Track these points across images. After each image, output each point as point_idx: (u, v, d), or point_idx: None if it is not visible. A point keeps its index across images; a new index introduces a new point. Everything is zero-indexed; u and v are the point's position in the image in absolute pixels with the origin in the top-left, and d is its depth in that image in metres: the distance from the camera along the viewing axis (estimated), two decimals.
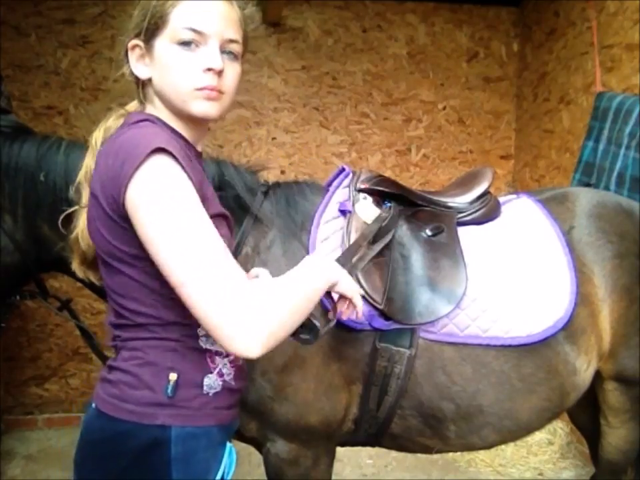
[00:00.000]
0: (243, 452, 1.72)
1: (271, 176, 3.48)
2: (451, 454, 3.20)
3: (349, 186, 1.69)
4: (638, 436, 1.94)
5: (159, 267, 0.96)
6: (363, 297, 1.53)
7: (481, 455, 3.21)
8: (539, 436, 3.32)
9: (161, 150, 0.96)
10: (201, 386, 1.07)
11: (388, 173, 3.69)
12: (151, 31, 1.08)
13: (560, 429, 3.33)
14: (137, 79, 1.15)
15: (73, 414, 3.61)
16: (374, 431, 1.66)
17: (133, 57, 1.12)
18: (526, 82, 3.81)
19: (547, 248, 1.74)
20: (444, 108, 3.88)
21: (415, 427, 1.65)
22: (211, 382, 1.08)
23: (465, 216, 1.78)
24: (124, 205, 0.96)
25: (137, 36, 1.10)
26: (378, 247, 1.55)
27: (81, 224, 1.15)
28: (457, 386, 1.62)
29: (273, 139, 3.75)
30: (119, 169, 0.96)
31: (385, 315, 1.53)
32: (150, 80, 1.12)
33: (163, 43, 1.07)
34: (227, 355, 1.11)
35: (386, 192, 1.70)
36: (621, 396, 1.88)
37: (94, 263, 1.16)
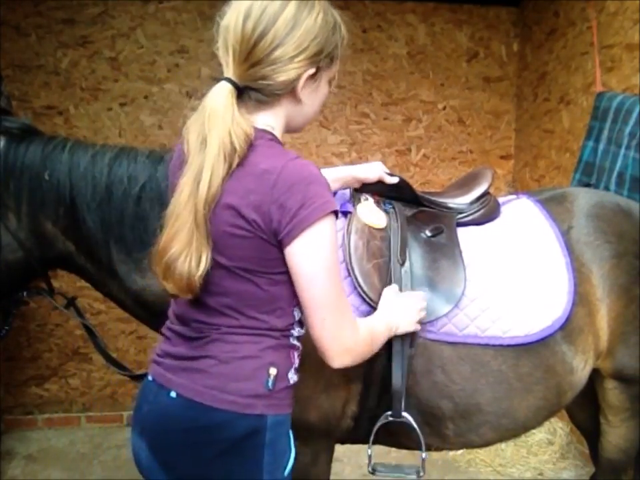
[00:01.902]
0: None
1: None
2: (451, 454, 3.21)
3: (349, 186, 1.69)
4: (638, 434, 1.95)
5: (304, 296, 1.13)
6: (362, 296, 1.54)
7: (481, 455, 3.22)
8: (539, 436, 3.32)
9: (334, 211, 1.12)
10: (287, 378, 1.19)
11: None
12: (328, 66, 1.18)
13: (560, 429, 3.33)
14: (279, 88, 1.13)
15: (73, 414, 3.61)
16: (373, 428, 1.67)
17: (305, 78, 1.14)
18: (526, 82, 3.81)
19: (545, 248, 1.75)
20: (444, 108, 3.88)
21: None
22: (292, 375, 1.21)
23: (465, 217, 1.79)
24: (288, 236, 1.08)
25: (317, 62, 1.15)
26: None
27: (210, 256, 1.13)
28: (456, 385, 1.63)
29: None
30: (296, 208, 1.06)
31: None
32: (295, 99, 1.16)
33: (325, 78, 1.20)
34: (299, 349, 1.24)
35: (386, 193, 1.71)
36: (621, 394, 1.88)
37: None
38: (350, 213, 1.63)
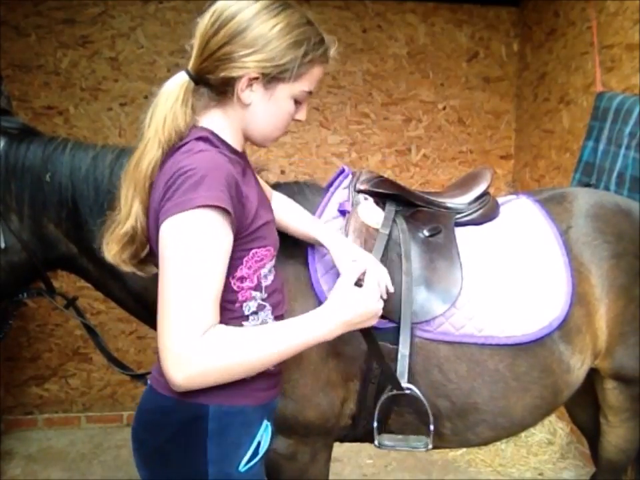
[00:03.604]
0: None
1: (271, 176, 3.52)
2: (450, 454, 3.21)
3: (348, 187, 1.69)
4: (638, 435, 1.95)
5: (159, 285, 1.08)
6: None
7: (481, 455, 3.22)
8: (539, 436, 3.32)
9: (208, 206, 1.05)
10: None
11: (388, 173, 3.70)
12: (282, 78, 1.16)
13: (560, 429, 3.33)
14: (224, 86, 1.17)
15: (73, 414, 3.61)
16: (371, 427, 1.67)
17: (246, 79, 1.15)
18: (526, 82, 3.81)
19: (544, 248, 1.75)
20: (444, 108, 3.88)
21: (411, 423, 1.66)
22: None
23: (463, 217, 1.79)
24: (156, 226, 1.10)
25: (263, 69, 1.15)
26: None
27: (142, 217, 1.19)
28: (453, 384, 1.63)
29: None
30: (169, 197, 1.06)
31: (381, 314, 1.53)
32: (241, 102, 1.17)
33: (284, 91, 1.18)
34: None
35: (385, 193, 1.71)
36: (620, 395, 1.88)
37: (145, 258, 1.26)
38: (349, 212, 1.63)
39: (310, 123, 3.76)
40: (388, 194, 1.72)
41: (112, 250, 1.22)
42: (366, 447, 2.46)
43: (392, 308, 1.53)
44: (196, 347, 1.03)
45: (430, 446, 1.53)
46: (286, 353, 1.12)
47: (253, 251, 1.17)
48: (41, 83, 3.44)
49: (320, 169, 3.77)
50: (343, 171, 1.74)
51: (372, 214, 1.65)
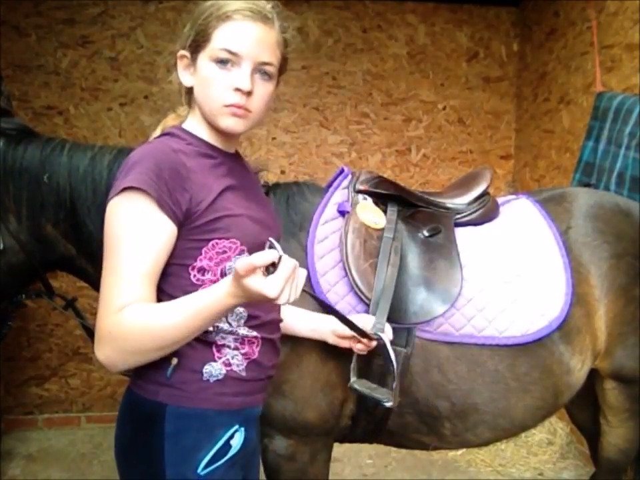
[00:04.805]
0: None
1: (271, 176, 3.52)
2: (450, 454, 3.21)
3: (348, 187, 1.69)
4: (637, 435, 1.95)
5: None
6: (359, 295, 1.53)
7: (481, 455, 3.22)
8: (539, 436, 3.32)
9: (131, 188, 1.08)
10: (201, 372, 1.16)
11: (388, 173, 3.70)
12: (195, 46, 1.19)
13: (560, 429, 3.33)
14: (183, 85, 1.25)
15: (73, 414, 3.62)
16: (371, 428, 1.68)
17: (180, 65, 1.23)
18: (526, 82, 3.81)
19: (543, 248, 1.75)
20: (444, 108, 3.88)
21: (411, 424, 1.67)
22: (212, 369, 1.17)
23: (463, 217, 1.79)
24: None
25: (184, 47, 1.22)
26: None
27: None
28: (452, 384, 1.63)
29: (273, 138, 3.76)
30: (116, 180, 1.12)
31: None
32: (192, 89, 1.23)
33: (204, 58, 1.18)
34: (237, 348, 1.19)
35: (384, 193, 1.71)
36: (620, 395, 1.88)
37: None
38: (348, 212, 1.63)
39: (310, 122, 3.77)
40: (387, 194, 1.72)
41: None
42: (366, 447, 2.46)
43: (392, 308, 1.52)
44: (109, 323, 1.06)
45: (391, 403, 1.40)
46: (186, 322, 1.06)
47: (214, 241, 1.14)
48: (41, 83, 3.45)
49: (320, 169, 3.77)
50: (342, 171, 1.74)
51: (371, 214, 1.65)
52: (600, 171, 2.61)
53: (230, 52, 1.15)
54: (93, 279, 1.65)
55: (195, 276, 1.15)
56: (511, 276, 1.69)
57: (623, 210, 1.88)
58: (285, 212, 1.64)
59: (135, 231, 1.08)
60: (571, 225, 1.81)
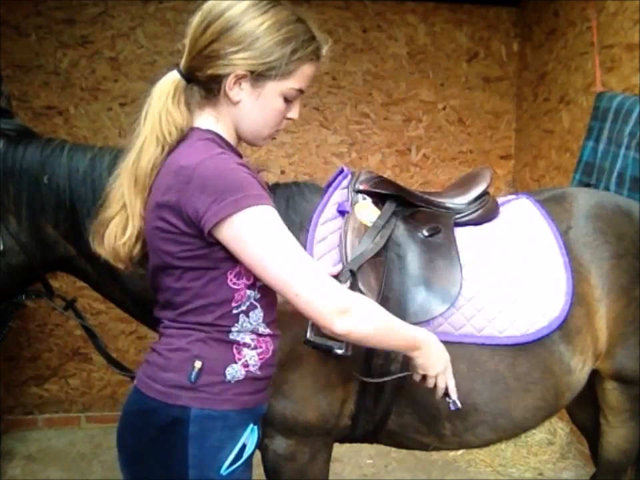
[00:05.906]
0: None
1: (271, 176, 3.52)
2: (451, 454, 3.21)
3: (347, 187, 1.69)
4: (638, 435, 1.95)
5: (267, 283, 1.14)
6: None
7: (481, 455, 3.22)
8: (539, 436, 3.32)
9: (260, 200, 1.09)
10: (223, 374, 1.17)
11: (388, 173, 3.70)
12: (269, 75, 1.16)
13: (560, 429, 3.33)
14: (213, 84, 1.18)
15: (73, 414, 3.62)
16: (371, 428, 1.68)
17: (233, 77, 1.16)
18: (526, 82, 3.81)
19: (543, 248, 1.75)
20: (444, 108, 3.88)
21: (411, 424, 1.67)
22: (234, 371, 1.18)
23: (463, 217, 1.78)
24: (211, 229, 1.09)
25: (250, 67, 1.15)
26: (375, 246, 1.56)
27: (138, 225, 1.21)
28: None
29: (273, 138, 3.75)
30: (210, 203, 1.07)
31: None
32: (229, 99, 1.18)
33: (273, 89, 1.18)
34: (256, 348, 1.21)
35: (384, 193, 1.71)
36: (620, 395, 1.88)
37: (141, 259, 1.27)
38: (348, 212, 1.62)
39: (310, 123, 3.76)
40: (387, 194, 1.72)
41: (119, 253, 1.24)
42: (366, 447, 2.45)
43: (391, 308, 1.52)
44: (351, 297, 1.14)
45: (342, 350, 1.40)
46: (398, 336, 1.22)
47: None
48: (41, 83, 3.45)
49: (320, 169, 3.77)
50: (342, 171, 1.74)
51: (370, 214, 1.64)
52: (600, 171, 2.61)
53: (300, 91, 1.21)
54: (93, 279, 1.65)
55: (231, 280, 1.17)
56: (510, 276, 1.69)
57: (624, 210, 1.88)
58: (284, 212, 1.64)
59: (287, 232, 1.12)
60: (572, 225, 1.80)
